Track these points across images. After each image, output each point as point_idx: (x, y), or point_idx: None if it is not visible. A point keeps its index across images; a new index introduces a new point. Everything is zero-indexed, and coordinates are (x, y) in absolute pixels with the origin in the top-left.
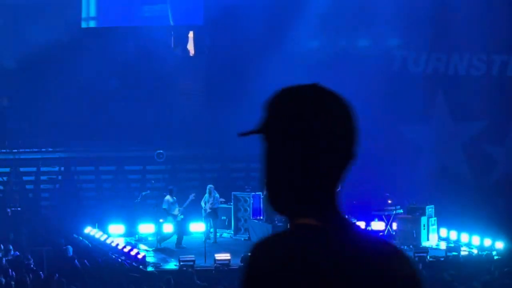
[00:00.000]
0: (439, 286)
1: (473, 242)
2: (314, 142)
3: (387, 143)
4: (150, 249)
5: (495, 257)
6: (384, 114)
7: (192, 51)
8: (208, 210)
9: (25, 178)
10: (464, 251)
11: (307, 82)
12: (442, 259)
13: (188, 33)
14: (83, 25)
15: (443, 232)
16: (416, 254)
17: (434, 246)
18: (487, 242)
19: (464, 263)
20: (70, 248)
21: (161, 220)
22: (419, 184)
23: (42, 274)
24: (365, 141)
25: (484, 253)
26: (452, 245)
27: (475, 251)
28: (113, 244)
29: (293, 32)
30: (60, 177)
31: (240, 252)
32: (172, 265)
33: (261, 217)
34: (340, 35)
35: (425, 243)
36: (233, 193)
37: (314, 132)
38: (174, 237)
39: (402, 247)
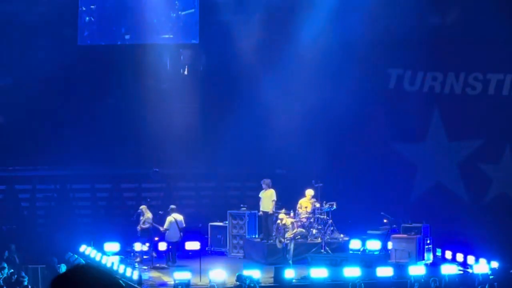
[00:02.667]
0: None
1: (468, 261)
2: None
3: (383, 161)
4: (146, 267)
5: (490, 277)
6: (380, 132)
7: (186, 70)
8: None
9: (20, 195)
10: (459, 270)
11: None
12: (437, 279)
13: (183, 51)
14: (80, 42)
15: (439, 251)
16: (410, 275)
17: (429, 265)
18: (482, 261)
19: (459, 282)
20: (64, 267)
21: (156, 238)
22: (415, 203)
23: None
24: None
25: (480, 273)
26: (447, 265)
27: (470, 270)
28: (108, 263)
29: (288, 52)
30: (55, 195)
31: (235, 270)
32: (167, 283)
33: (257, 236)
34: (334, 53)
35: (420, 263)
36: (228, 211)
37: None
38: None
39: (398, 266)
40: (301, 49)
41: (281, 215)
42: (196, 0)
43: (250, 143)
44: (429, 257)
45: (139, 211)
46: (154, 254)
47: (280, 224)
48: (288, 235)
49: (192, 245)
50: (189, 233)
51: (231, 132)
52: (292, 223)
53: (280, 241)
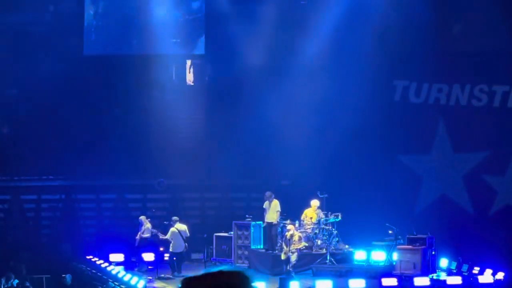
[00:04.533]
0: None
1: (474, 272)
2: None
3: (388, 173)
4: (151, 278)
5: None
6: (385, 144)
7: (191, 80)
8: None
9: (25, 205)
10: (464, 282)
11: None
12: None
13: (188, 61)
14: (85, 52)
15: (444, 262)
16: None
17: (434, 277)
18: (488, 272)
19: None
20: (69, 277)
21: (161, 249)
22: (420, 214)
23: None
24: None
25: (485, 284)
26: (453, 276)
27: (475, 282)
28: (114, 272)
29: (293, 63)
30: (60, 205)
31: None
32: None
33: (261, 246)
34: (339, 64)
35: (425, 274)
36: (233, 222)
37: None
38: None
39: (403, 277)
40: (307, 60)
41: (290, 226)
42: (203, 10)
43: (255, 154)
44: (436, 268)
45: (140, 220)
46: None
47: (288, 236)
48: (293, 247)
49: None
50: (194, 244)
51: (237, 143)
52: (299, 237)
53: (285, 253)
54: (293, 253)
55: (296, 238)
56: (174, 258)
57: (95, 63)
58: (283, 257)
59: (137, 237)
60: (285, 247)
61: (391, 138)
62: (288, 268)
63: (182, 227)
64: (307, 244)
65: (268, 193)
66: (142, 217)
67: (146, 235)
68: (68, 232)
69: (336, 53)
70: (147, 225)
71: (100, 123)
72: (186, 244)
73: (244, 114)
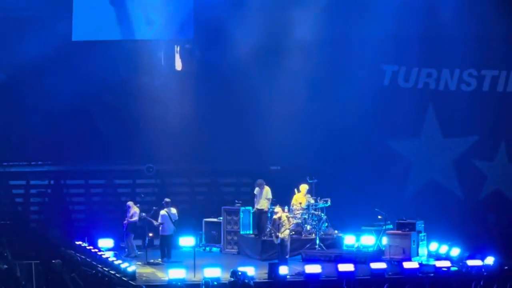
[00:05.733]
0: None
1: (463, 257)
2: None
3: (377, 158)
4: (140, 263)
5: (485, 273)
6: (374, 129)
7: (179, 65)
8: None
9: (14, 191)
10: (453, 266)
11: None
12: (432, 274)
13: (177, 47)
14: (74, 38)
15: (433, 246)
16: (405, 271)
17: (424, 261)
18: (477, 257)
19: (454, 278)
20: (59, 262)
21: (150, 234)
22: (409, 199)
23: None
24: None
25: (474, 268)
26: (442, 260)
27: (464, 266)
28: (103, 257)
29: (282, 48)
30: (49, 191)
31: (230, 266)
32: (161, 279)
33: (251, 232)
34: (328, 49)
35: (414, 259)
36: (223, 207)
37: None
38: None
39: (392, 262)
40: (295, 45)
41: (277, 209)
42: None
43: (245, 140)
44: (423, 253)
45: (128, 205)
46: (123, 245)
47: (276, 218)
48: (285, 229)
49: (187, 241)
50: (183, 229)
51: (226, 128)
52: (288, 217)
53: (276, 237)
54: (284, 234)
55: (284, 218)
56: (164, 242)
57: (84, 49)
58: (275, 241)
59: (125, 221)
60: (275, 230)
61: (380, 123)
62: (283, 253)
63: (172, 210)
64: (299, 221)
65: (259, 181)
66: (130, 202)
67: (134, 218)
68: (57, 218)
69: (325, 39)
70: (135, 209)
71: (88, 108)
72: (175, 227)
73: (233, 99)
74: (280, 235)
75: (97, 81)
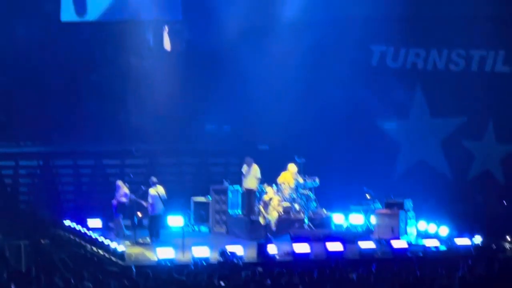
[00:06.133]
0: (416, 281)
1: (451, 236)
2: None
3: (366, 138)
4: (129, 243)
5: (473, 252)
6: (363, 109)
7: (168, 46)
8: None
9: (3, 172)
10: (442, 246)
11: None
12: (421, 254)
13: (165, 27)
14: (63, 18)
15: (422, 225)
16: (394, 250)
17: (412, 241)
18: (465, 236)
19: (442, 257)
20: (48, 242)
21: (139, 214)
22: (398, 179)
23: (20, 268)
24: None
25: (462, 247)
26: (430, 239)
27: (453, 245)
28: (92, 238)
29: (270, 29)
30: (38, 171)
31: (218, 245)
32: (150, 259)
33: (239, 211)
34: (316, 29)
35: (403, 237)
36: (211, 187)
37: None
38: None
39: (381, 241)
40: (284, 25)
41: (268, 189)
42: None
43: (233, 119)
44: (412, 232)
45: (117, 184)
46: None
47: (267, 199)
48: (273, 211)
49: (175, 221)
50: (171, 209)
51: (214, 108)
52: (279, 201)
53: (263, 217)
54: (272, 215)
55: (275, 202)
56: (153, 222)
57: (72, 29)
58: (262, 221)
59: (114, 201)
60: (263, 210)
61: (368, 103)
62: (268, 232)
63: (161, 189)
64: (289, 204)
65: (248, 158)
66: (119, 182)
67: (123, 200)
68: (46, 198)
69: (313, 19)
70: (124, 189)
71: (77, 89)
72: (164, 206)
73: (222, 79)
74: (268, 216)
75: (85, 61)
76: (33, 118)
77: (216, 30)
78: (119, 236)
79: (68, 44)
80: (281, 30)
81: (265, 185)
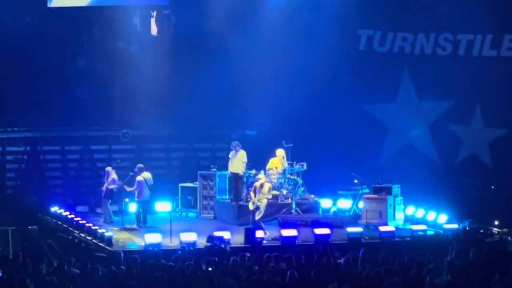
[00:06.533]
0: (404, 265)
1: (439, 221)
2: None
3: (353, 123)
4: (116, 228)
5: (461, 236)
6: (350, 94)
7: (155, 31)
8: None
9: None
10: (430, 230)
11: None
12: (409, 238)
13: (153, 12)
14: (50, 4)
15: (410, 210)
16: (381, 235)
17: (400, 226)
18: (453, 221)
19: (430, 242)
20: (36, 228)
21: (126, 200)
22: (385, 163)
23: (7, 254)
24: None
25: (450, 232)
26: (418, 224)
27: (441, 230)
28: (79, 223)
29: (258, 13)
30: (25, 157)
31: (206, 231)
32: (138, 244)
33: (227, 196)
34: (304, 14)
35: (391, 223)
36: (199, 172)
37: None
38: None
39: (369, 226)
40: (271, 9)
41: (261, 175)
42: None
43: (221, 104)
44: (400, 217)
45: (107, 170)
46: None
47: (258, 185)
48: (263, 197)
49: (163, 206)
50: (159, 194)
51: (202, 93)
52: (270, 188)
53: (253, 203)
54: (261, 202)
55: (266, 189)
56: (141, 209)
57: (60, 15)
58: (251, 207)
59: (103, 188)
60: (253, 196)
61: (356, 87)
62: (256, 218)
63: (147, 175)
64: (278, 192)
65: (234, 143)
66: (109, 168)
67: (112, 186)
68: (34, 184)
69: (301, 3)
70: (113, 175)
71: (64, 74)
72: (150, 192)
73: (209, 64)
74: (257, 202)
75: (72, 46)
76: (20, 103)
77: (203, 15)
78: (106, 221)
79: (56, 29)
80: (268, 15)
81: (253, 170)
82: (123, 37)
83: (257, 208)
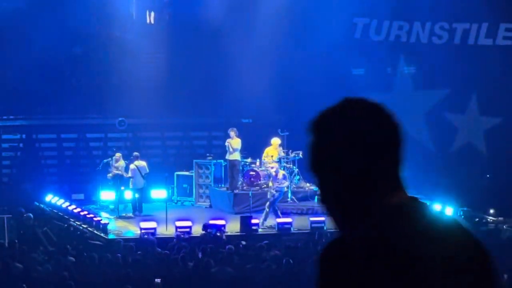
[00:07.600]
0: None
1: (435, 209)
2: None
3: None
4: (112, 217)
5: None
6: (346, 82)
7: (152, 19)
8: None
9: None
10: None
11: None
12: None
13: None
14: None
15: None
16: None
17: None
18: (448, 210)
19: None
20: (31, 216)
21: (122, 188)
22: None
23: (3, 241)
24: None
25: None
26: None
27: None
28: (75, 212)
29: (254, 1)
30: (21, 145)
31: (201, 219)
32: (133, 232)
33: (222, 185)
34: (300, 2)
35: None
36: (194, 160)
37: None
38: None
39: None
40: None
41: (274, 164)
42: None
43: (217, 93)
44: None
45: (116, 157)
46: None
47: (273, 172)
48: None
49: (159, 194)
50: (155, 182)
51: (198, 81)
52: (284, 175)
53: (271, 191)
54: (277, 191)
55: (280, 175)
56: (136, 195)
57: (55, 2)
58: (269, 195)
59: (111, 175)
60: (271, 184)
61: (351, 76)
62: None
63: (141, 163)
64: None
65: (233, 129)
66: (118, 154)
67: (116, 172)
68: (29, 172)
69: None
70: (121, 162)
71: (60, 61)
72: (144, 180)
73: (205, 52)
74: (272, 191)
75: (68, 34)
76: (16, 91)
77: (199, 3)
78: (103, 209)
79: (51, 17)
80: (264, 3)
81: (249, 159)
82: (119, 25)
83: (273, 196)
